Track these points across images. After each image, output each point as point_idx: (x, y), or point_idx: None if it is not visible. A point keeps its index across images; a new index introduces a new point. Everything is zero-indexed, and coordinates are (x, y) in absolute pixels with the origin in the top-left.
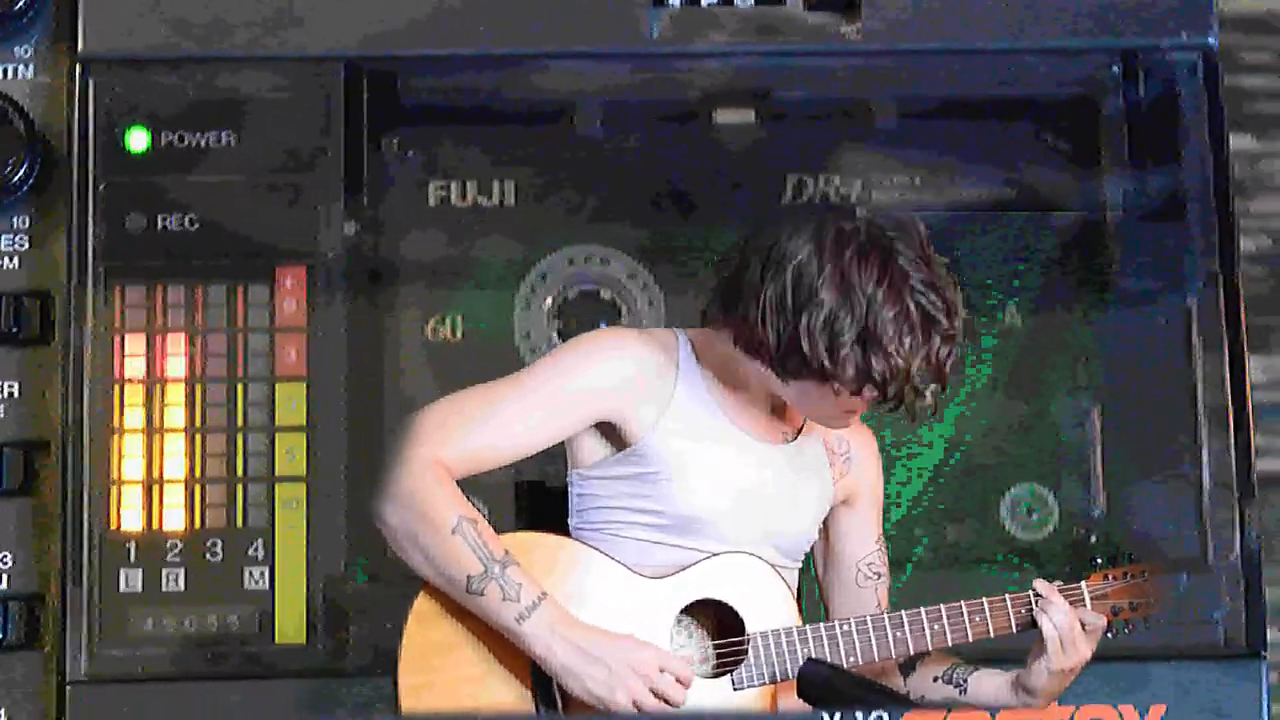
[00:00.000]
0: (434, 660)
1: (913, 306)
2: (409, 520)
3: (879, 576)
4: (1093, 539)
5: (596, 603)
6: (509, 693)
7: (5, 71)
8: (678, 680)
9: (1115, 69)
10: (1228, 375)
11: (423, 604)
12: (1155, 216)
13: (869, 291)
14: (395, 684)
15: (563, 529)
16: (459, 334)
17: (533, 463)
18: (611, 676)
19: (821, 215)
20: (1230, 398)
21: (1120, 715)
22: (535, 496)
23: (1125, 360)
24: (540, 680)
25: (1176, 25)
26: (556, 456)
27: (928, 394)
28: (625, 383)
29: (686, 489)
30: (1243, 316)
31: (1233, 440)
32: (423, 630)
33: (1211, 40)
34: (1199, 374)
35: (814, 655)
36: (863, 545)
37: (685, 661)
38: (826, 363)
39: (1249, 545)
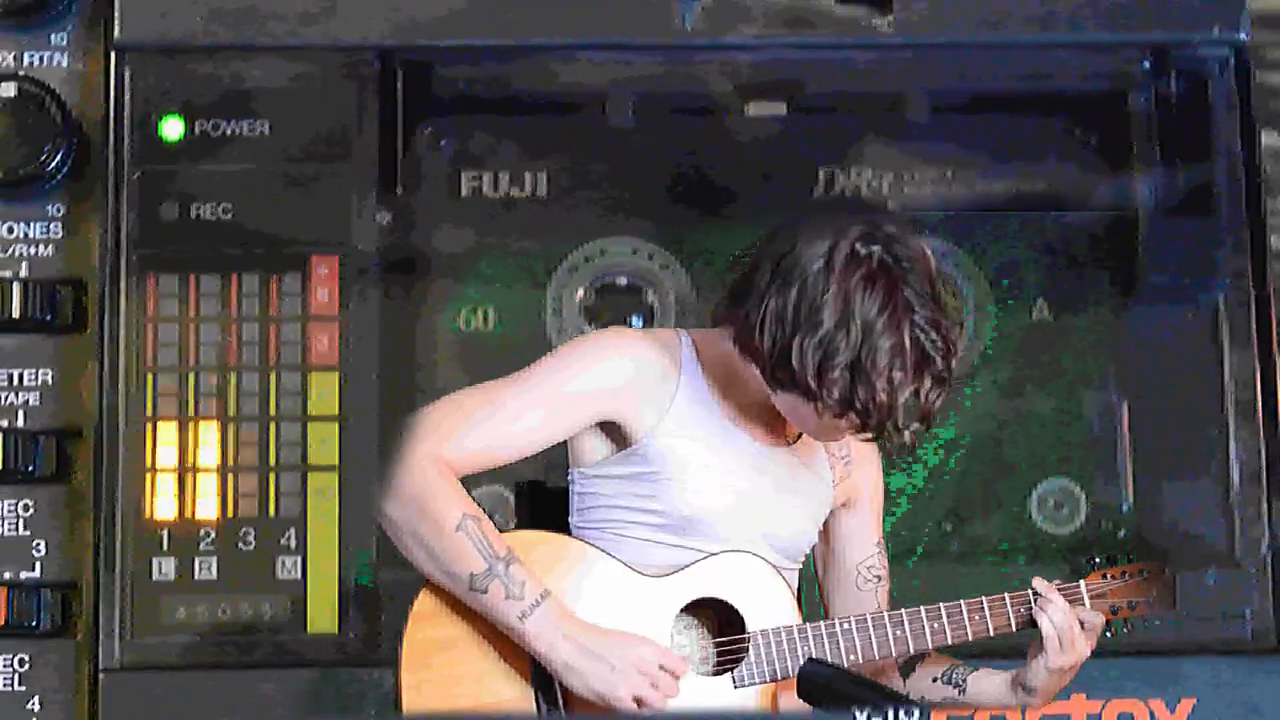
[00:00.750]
0: (434, 658)
1: (909, 342)
2: (411, 518)
3: (879, 579)
4: (1121, 533)
5: (597, 601)
6: (509, 690)
7: (41, 59)
8: (674, 676)
9: (1146, 64)
10: (1257, 371)
11: (423, 603)
12: (1185, 212)
13: (869, 319)
14: (397, 682)
15: (563, 528)
16: (490, 324)
17: (532, 463)
18: (614, 673)
19: (839, 226)
20: (1259, 393)
21: (1150, 710)
22: (535, 496)
23: (1154, 356)
24: (541, 677)
25: (1208, 20)
26: (556, 457)
27: (907, 433)
28: (626, 383)
29: (687, 489)
30: (1272, 312)
31: (1261, 435)
32: (423, 629)
33: (1243, 35)
34: (1227, 370)
35: (814, 653)
36: (863, 548)
37: (682, 658)
38: (813, 383)
39: (1278, 541)
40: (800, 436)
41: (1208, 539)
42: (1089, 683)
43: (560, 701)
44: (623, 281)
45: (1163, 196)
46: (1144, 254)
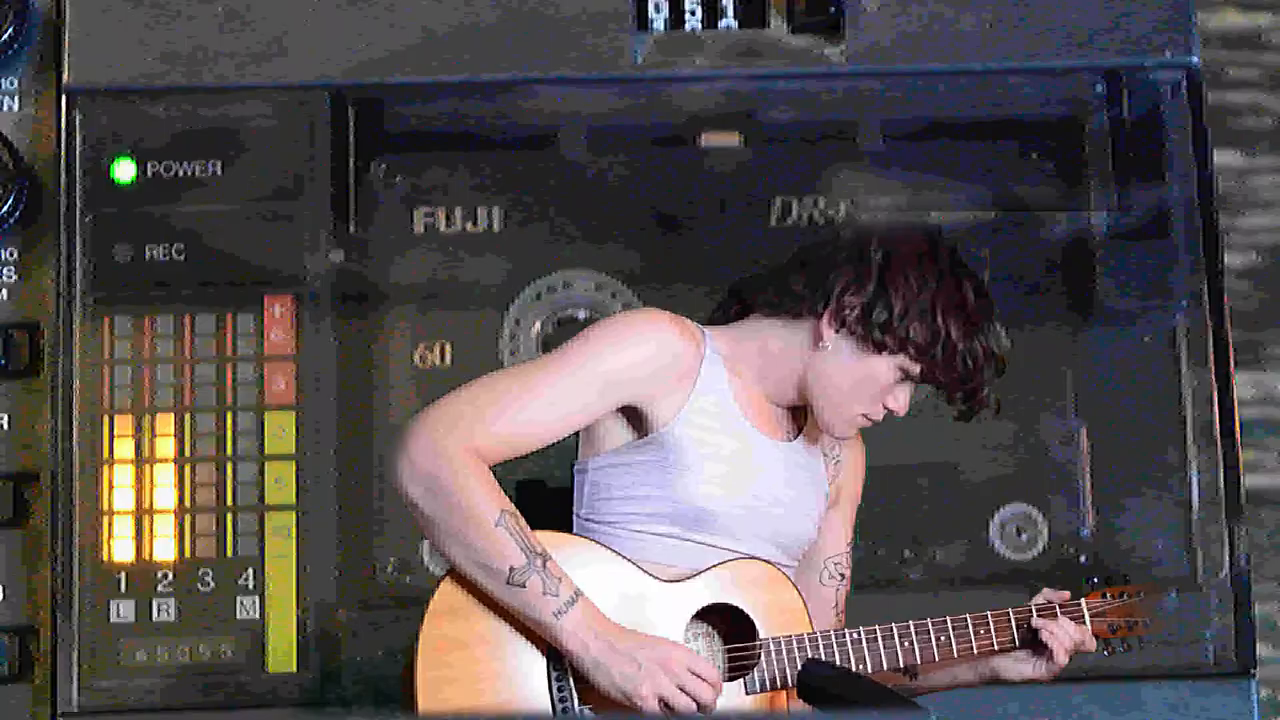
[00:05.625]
0: (450, 656)
1: (989, 339)
2: (446, 512)
3: (842, 578)
4: (1082, 559)
5: (611, 604)
6: (526, 688)
7: None
8: (706, 681)
9: (1099, 88)
10: (1215, 392)
11: (439, 600)
12: (1141, 235)
13: (968, 296)
14: (412, 680)
15: (563, 527)
16: (447, 360)
17: (532, 461)
18: (641, 673)
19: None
20: (1218, 414)
21: None
22: (535, 495)
23: (1112, 378)
24: (558, 675)
25: (1159, 44)
26: (554, 456)
27: (991, 396)
28: (658, 366)
29: (701, 481)
30: (1229, 333)
31: (1221, 457)
32: (439, 626)
33: (1194, 59)
34: (1186, 391)
35: (823, 660)
36: (835, 544)
37: (714, 665)
38: (955, 336)
39: (1238, 563)
40: (798, 435)
41: (1168, 562)
42: (1050, 709)
43: (576, 700)
44: (579, 314)
45: (1119, 219)
46: (1101, 277)
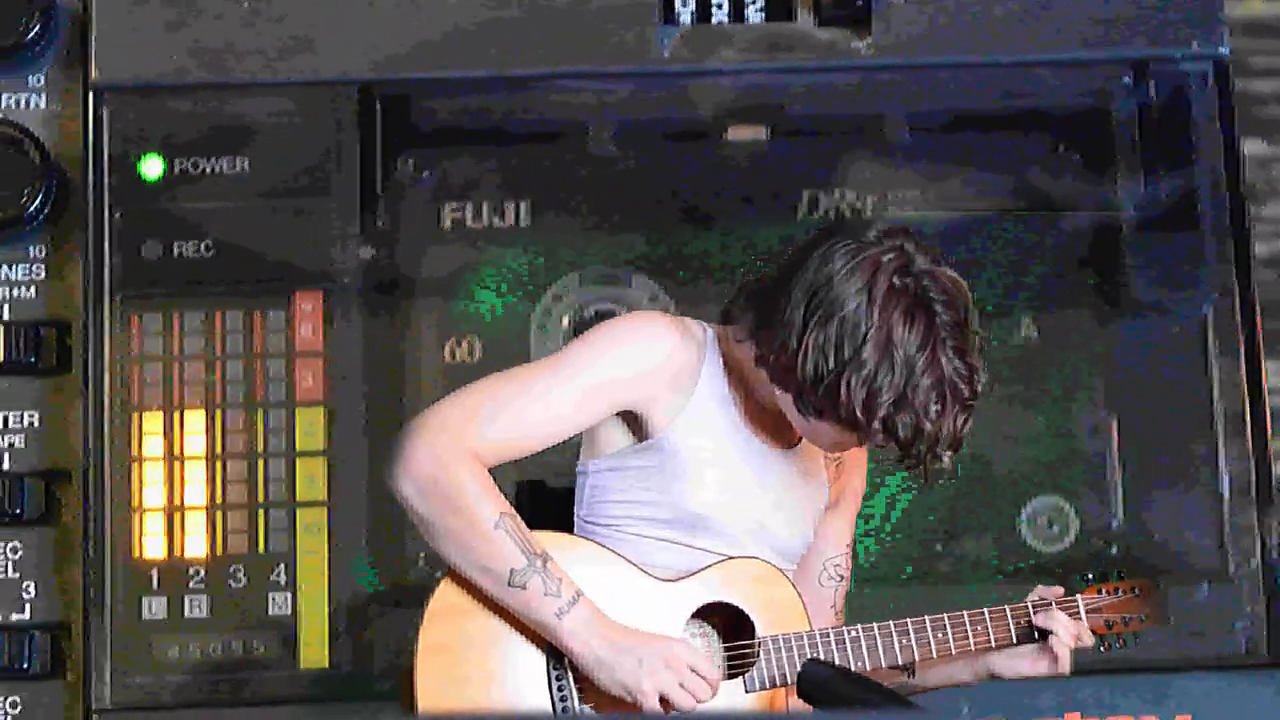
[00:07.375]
0: (449, 657)
1: (946, 375)
2: (445, 516)
3: (841, 579)
4: (1112, 550)
5: (610, 604)
6: (524, 689)
7: (18, 101)
8: (705, 679)
9: (1127, 80)
10: (1244, 382)
11: (438, 602)
12: (1169, 226)
13: (910, 355)
14: (411, 682)
15: (563, 528)
16: (476, 355)
17: (533, 461)
18: (642, 668)
19: (874, 256)
20: (1248, 404)
21: None
22: (535, 496)
23: (1142, 370)
24: (558, 676)
25: (1187, 35)
26: (555, 456)
27: (946, 458)
28: (656, 370)
29: (699, 487)
30: (1258, 322)
31: (1251, 447)
32: (438, 628)
33: (1223, 50)
34: (1215, 381)
35: (822, 659)
36: (835, 545)
37: (713, 663)
38: (861, 416)
39: (1269, 554)
40: (799, 440)
41: (1199, 553)
42: (1084, 701)
43: (575, 700)
44: (606, 308)
45: (1147, 210)
46: (1130, 268)
